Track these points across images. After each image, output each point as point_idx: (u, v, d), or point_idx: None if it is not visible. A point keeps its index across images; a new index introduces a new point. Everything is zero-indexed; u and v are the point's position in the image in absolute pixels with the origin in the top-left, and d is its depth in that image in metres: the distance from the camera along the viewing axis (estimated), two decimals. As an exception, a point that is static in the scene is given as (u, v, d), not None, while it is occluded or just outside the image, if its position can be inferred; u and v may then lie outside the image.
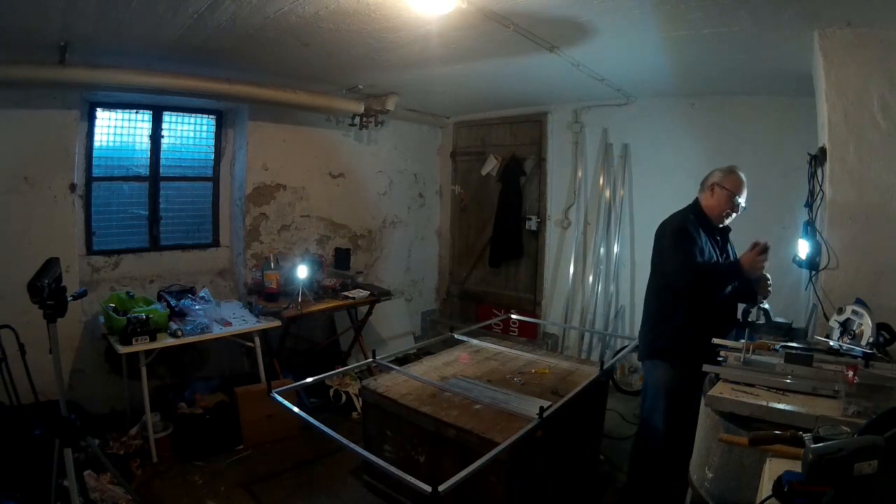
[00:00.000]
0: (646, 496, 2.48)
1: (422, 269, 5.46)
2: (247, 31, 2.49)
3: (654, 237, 2.45)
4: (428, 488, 1.60)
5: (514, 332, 4.85)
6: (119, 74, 2.94)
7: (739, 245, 2.59)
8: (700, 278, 2.23)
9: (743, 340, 1.92)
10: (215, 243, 4.17)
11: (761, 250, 2.20)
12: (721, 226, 2.44)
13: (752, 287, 2.29)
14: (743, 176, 2.35)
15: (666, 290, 2.42)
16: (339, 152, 4.53)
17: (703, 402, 1.77)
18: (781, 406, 1.58)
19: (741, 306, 2.43)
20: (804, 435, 1.06)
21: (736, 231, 2.53)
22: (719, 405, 1.66)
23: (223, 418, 3.15)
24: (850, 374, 1.50)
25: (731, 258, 2.49)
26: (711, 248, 2.37)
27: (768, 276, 2.29)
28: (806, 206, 2.44)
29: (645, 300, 2.55)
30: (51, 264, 1.91)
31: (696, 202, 2.46)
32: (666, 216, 2.50)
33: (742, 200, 2.35)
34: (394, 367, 2.86)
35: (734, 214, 2.40)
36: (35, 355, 2.38)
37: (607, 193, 4.29)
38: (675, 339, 2.34)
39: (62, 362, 1.98)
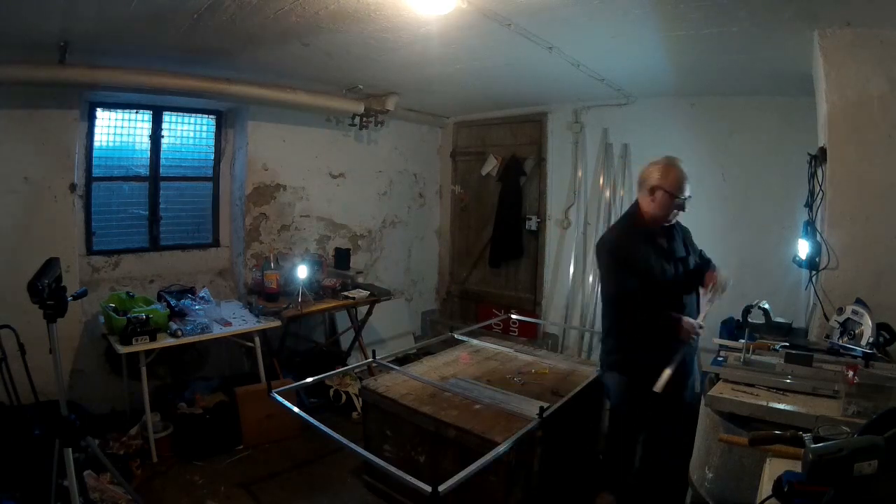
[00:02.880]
0: (643, 495, 2.48)
1: (422, 269, 5.45)
2: (247, 31, 2.49)
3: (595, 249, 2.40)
4: (428, 488, 1.60)
5: (514, 332, 4.85)
6: (119, 74, 2.94)
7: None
8: (634, 321, 2.19)
9: (743, 340, 1.92)
10: (215, 243, 4.17)
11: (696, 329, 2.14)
12: (668, 224, 2.27)
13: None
14: (681, 168, 2.19)
15: (609, 305, 2.37)
16: (339, 152, 4.53)
17: (703, 402, 1.78)
18: (781, 406, 1.58)
19: (741, 306, 2.42)
20: (804, 435, 1.06)
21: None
22: (719, 405, 1.66)
23: (223, 418, 3.15)
24: (850, 374, 1.50)
25: (683, 254, 2.33)
26: (655, 259, 2.23)
27: (700, 326, 2.16)
28: (806, 206, 2.44)
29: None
30: (51, 264, 1.91)
31: (636, 207, 2.31)
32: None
33: (686, 195, 2.17)
34: (394, 367, 2.86)
35: (681, 213, 2.24)
36: (35, 355, 2.39)
37: (607, 193, 4.28)
38: (624, 353, 2.27)
39: (62, 362, 1.98)
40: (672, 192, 2.15)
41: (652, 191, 2.20)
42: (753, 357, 1.89)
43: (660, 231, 2.27)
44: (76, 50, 2.70)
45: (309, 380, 2.63)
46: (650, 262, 2.20)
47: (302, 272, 3.60)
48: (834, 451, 0.89)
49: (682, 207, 2.20)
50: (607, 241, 2.32)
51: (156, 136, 3.79)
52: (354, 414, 3.56)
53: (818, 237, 2.27)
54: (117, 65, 2.92)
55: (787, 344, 1.95)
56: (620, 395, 2.35)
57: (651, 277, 2.18)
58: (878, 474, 0.88)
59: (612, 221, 4.25)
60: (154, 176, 3.81)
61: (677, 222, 2.30)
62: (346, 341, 4.33)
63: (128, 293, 3.25)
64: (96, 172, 3.55)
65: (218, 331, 3.17)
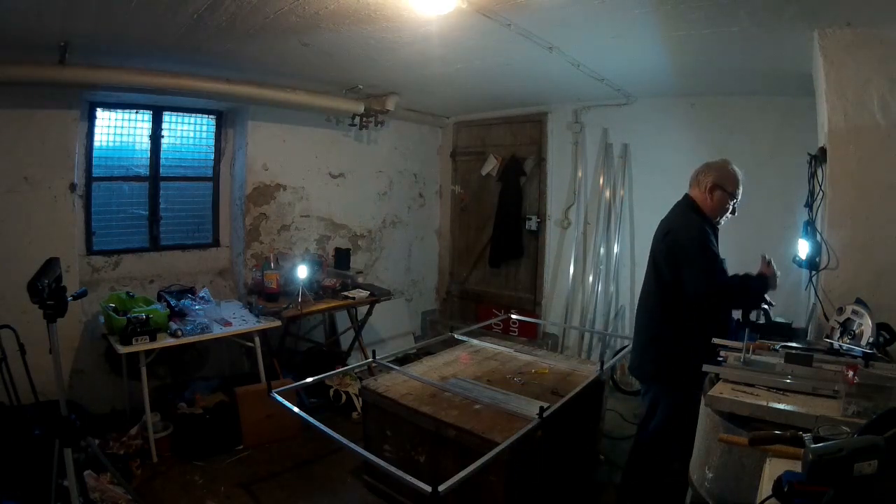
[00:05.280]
0: (641, 492, 2.47)
1: (422, 269, 5.46)
2: (247, 31, 2.49)
3: (665, 243, 2.23)
4: (428, 488, 1.60)
5: (514, 332, 4.85)
6: (119, 74, 2.94)
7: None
8: (733, 297, 2.16)
9: (743, 340, 1.91)
10: (215, 243, 4.17)
11: (769, 264, 2.19)
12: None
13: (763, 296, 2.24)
14: (738, 170, 2.30)
15: (678, 305, 2.19)
16: (339, 152, 4.53)
17: (703, 402, 1.77)
18: (781, 406, 1.58)
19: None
20: (804, 435, 1.06)
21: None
22: (719, 405, 1.66)
23: (223, 418, 3.15)
24: (850, 374, 1.50)
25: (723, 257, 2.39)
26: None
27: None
28: (806, 206, 2.43)
29: (644, 311, 2.39)
30: (51, 264, 1.91)
31: (694, 202, 2.30)
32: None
33: (739, 197, 2.29)
34: (394, 367, 2.86)
35: (731, 216, 2.32)
36: (35, 355, 2.39)
37: (607, 193, 4.29)
38: (679, 361, 2.15)
39: (62, 362, 1.98)
40: (731, 192, 2.26)
41: (712, 189, 2.27)
42: (753, 357, 1.89)
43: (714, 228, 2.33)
44: (76, 50, 2.70)
45: (309, 380, 2.63)
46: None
47: (302, 272, 3.60)
48: (834, 451, 0.89)
49: (734, 211, 2.31)
50: (692, 230, 2.16)
51: (156, 136, 3.79)
52: (354, 414, 3.56)
53: (818, 237, 2.27)
54: (117, 65, 2.92)
55: (788, 344, 1.95)
56: (676, 412, 2.18)
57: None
58: (878, 474, 0.88)
59: (612, 221, 4.26)
60: (154, 176, 3.81)
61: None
62: (346, 341, 4.34)
63: (128, 293, 3.25)
64: (96, 172, 3.55)
65: (218, 331, 3.17)
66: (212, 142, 4.10)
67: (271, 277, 3.71)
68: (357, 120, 4.26)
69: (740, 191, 2.30)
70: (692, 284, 2.11)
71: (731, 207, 2.29)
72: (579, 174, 4.44)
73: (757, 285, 2.18)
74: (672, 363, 2.22)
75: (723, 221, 2.34)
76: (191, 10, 2.24)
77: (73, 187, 3.25)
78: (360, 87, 3.87)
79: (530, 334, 4.75)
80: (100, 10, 2.23)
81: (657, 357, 2.30)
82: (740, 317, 2.39)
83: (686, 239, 2.16)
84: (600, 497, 2.79)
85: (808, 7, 2.07)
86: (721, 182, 2.25)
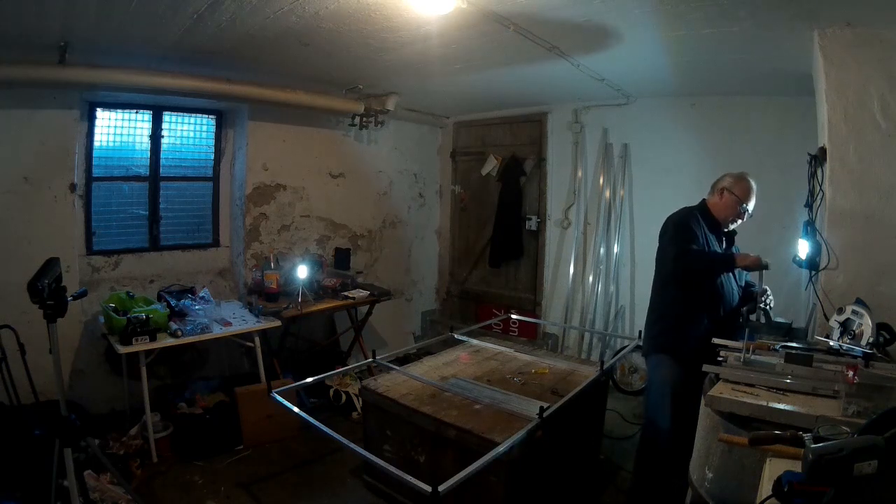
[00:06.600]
0: (651, 495, 2.47)
1: (422, 269, 5.45)
2: (247, 31, 2.49)
3: (658, 234, 2.48)
4: (428, 488, 1.60)
5: (514, 332, 4.85)
6: (119, 74, 2.94)
7: (743, 243, 2.61)
8: (693, 260, 2.28)
9: (743, 340, 1.92)
10: (215, 243, 4.17)
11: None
12: (726, 230, 2.47)
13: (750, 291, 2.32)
14: (753, 184, 2.40)
15: (668, 285, 2.44)
16: (339, 152, 4.53)
17: (703, 402, 1.78)
18: (781, 406, 1.58)
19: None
20: (804, 435, 1.06)
21: (738, 230, 2.54)
22: (719, 405, 1.66)
23: (223, 418, 3.15)
24: (850, 374, 1.50)
25: None
26: (714, 243, 2.40)
27: (767, 288, 2.31)
28: (806, 206, 2.43)
29: (650, 297, 2.59)
30: (51, 264, 1.91)
31: (703, 203, 2.50)
32: (667, 216, 2.50)
33: (749, 208, 2.40)
34: (394, 367, 2.86)
35: (739, 221, 2.44)
36: (35, 355, 2.38)
37: (607, 193, 4.29)
38: (677, 335, 2.35)
39: (62, 362, 1.98)
40: (739, 197, 2.39)
41: (721, 192, 2.44)
42: (753, 357, 1.89)
43: (721, 230, 2.46)
44: (76, 50, 2.70)
45: (309, 380, 2.63)
46: (710, 245, 2.36)
47: (302, 272, 3.60)
48: (834, 451, 0.89)
49: (741, 215, 2.42)
50: (674, 217, 2.43)
51: (156, 136, 3.79)
52: (354, 414, 3.56)
53: (818, 237, 2.27)
54: (117, 65, 2.92)
55: (788, 344, 1.95)
56: (668, 382, 2.35)
57: None
58: (878, 474, 0.88)
59: (612, 221, 4.27)
60: (154, 176, 3.80)
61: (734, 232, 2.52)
62: (346, 341, 4.34)
63: (128, 293, 3.25)
64: (96, 172, 3.55)
65: (218, 331, 3.17)
66: (212, 142, 4.09)
67: (271, 277, 3.71)
68: (357, 120, 4.26)
69: (752, 202, 2.40)
70: (667, 252, 2.38)
71: (739, 213, 2.40)
72: (579, 174, 4.44)
73: (721, 257, 2.37)
74: (655, 337, 2.49)
75: (732, 225, 2.47)
76: (191, 10, 2.24)
77: (73, 187, 3.25)
78: (360, 87, 3.86)
79: (530, 334, 4.75)
80: (100, 10, 2.23)
81: (648, 331, 2.56)
82: (741, 316, 2.40)
83: (670, 219, 2.43)
84: (601, 497, 2.79)
85: (808, 7, 2.07)
86: (732, 187, 2.40)
